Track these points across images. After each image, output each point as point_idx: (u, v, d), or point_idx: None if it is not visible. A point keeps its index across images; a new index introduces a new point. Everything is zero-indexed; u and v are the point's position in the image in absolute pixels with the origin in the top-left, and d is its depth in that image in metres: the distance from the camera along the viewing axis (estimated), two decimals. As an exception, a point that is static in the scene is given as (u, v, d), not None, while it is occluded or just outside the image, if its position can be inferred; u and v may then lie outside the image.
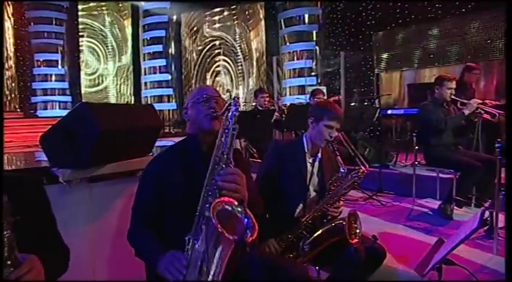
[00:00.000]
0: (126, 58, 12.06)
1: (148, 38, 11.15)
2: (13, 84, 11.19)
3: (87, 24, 11.96)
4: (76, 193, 1.80)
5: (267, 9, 10.57)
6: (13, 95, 11.31)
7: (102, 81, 12.27)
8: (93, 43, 12.08)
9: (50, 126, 1.69)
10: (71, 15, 11.34)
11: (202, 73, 11.65)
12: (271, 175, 2.07)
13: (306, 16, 9.68)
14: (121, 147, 1.75)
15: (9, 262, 0.94)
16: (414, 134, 3.75)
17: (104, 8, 12.00)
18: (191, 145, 1.53)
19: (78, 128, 1.56)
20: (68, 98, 11.52)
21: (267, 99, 4.56)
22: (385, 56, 7.96)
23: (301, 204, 2.04)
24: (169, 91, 11.41)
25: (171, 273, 1.23)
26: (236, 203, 1.22)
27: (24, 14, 10.95)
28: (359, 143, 4.91)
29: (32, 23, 10.87)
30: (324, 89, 8.70)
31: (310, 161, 2.11)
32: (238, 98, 1.38)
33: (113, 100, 12.20)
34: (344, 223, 1.79)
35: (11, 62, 11.03)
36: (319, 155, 2.12)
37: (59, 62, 11.27)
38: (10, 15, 11.04)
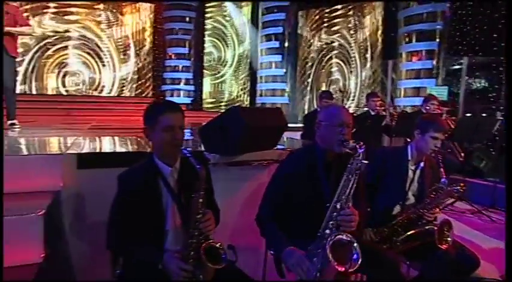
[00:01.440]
0: (244, 49, 13.12)
1: (264, 35, 11.99)
2: (149, 74, 13.33)
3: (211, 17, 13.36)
4: (217, 173, 2.43)
5: (386, 6, 10.43)
6: (148, 84, 13.45)
7: (220, 71, 13.57)
8: (215, 37, 13.43)
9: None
10: (198, 13, 12.88)
11: (317, 71, 12.08)
12: (375, 177, 2.43)
13: (430, 13, 9.29)
14: (255, 141, 2.33)
15: (200, 211, 1.57)
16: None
17: (224, 5, 13.22)
18: (319, 156, 1.91)
19: (230, 124, 2.18)
20: (191, 88, 13.18)
21: (378, 103, 4.78)
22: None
23: (398, 205, 2.37)
24: (283, 85, 12.10)
25: (298, 271, 1.64)
26: (351, 239, 1.58)
27: (162, 13, 12.84)
28: (474, 154, 4.81)
29: (167, 22, 12.70)
30: (445, 91, 8.35)
31: (413, 168, 2.41)
32: (363, 144, 1.74)
33: (228, 90, 13.46)
34: (435, 228, 2.07)
35: (150, 56, 13.16)
36: (422, 164, 2.41)
37: (186, 55, 12.96)
38: (152, 15, 13.10)
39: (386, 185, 2.40)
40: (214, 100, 13.56)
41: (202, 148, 2.41)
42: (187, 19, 12.70)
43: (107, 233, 1.70)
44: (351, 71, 11.41)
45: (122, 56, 12.95)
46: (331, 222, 1.67)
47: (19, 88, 9.62)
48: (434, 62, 9.26)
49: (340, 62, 11.72)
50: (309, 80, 12.37)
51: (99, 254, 1.78)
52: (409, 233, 2.22)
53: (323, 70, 12.06)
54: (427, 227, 2.17)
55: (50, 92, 12.08)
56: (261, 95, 12.32)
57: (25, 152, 2.48)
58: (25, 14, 10.08)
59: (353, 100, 11.27)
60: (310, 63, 12.31)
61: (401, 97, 9.84)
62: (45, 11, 11.78)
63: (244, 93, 13.23)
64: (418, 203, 2.31)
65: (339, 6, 11.43)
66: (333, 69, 11.90)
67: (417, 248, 2.20)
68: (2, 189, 1.69)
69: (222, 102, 13.49)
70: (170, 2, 12.52)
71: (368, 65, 11.08)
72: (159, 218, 1.68)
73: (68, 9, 12.10)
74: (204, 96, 13.55)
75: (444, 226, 2.11)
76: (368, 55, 11.07)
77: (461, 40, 8.81)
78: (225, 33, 13.30)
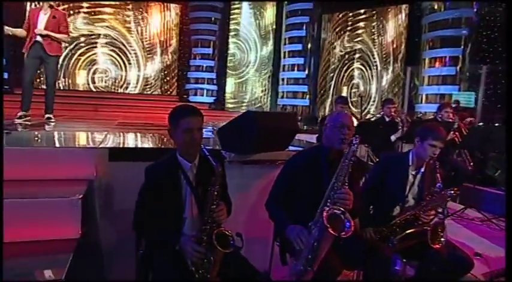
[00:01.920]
0: (267, 51, 13.37)
1: (288, 37, 12.22)
2: (174, 73, 13.81)
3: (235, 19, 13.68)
4: (232, 170, 2.70)
5: (411, 11, 10.47)
6: (172, 82, 13.92)
7: (243, 69, 13.86)
8: (239, 38, 13.74)
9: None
10: (223, 14, 13.24)
11: (340, 74, 12.22)
12: (377, 181, 2.63)
13: (456, 19, 9.29)
14: (267, 142, 2.58)
15: (215, 203, 1.83)
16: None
17: (251, 5, 13.51)
18: (323, 154, 2.22)
19: (245, 126, 2.44)
20: (215, 87, 13.55)
21: (393, 109, 4.94)
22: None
23: (398, 207, 2.56)
24: (304, 88, 12.29)
25: (297, 241, 1.94)
26: (343, 211, 1.89)
27: (188, 14, 13.27)
28: (489, 163, 4.89)
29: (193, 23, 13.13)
30: (471, 97, 8.33)
31: (413, 173, 2.60)
32: (358, 137, 2.04)
33: (251, 91, 13.73)
34: (428, 229, 2.26)
35: (176, 56, 13.63)
36: (422, 169, 2.59)
37: (210, 55, 13.34)
38: (178, 14, 13.55)
39: (388, 187, 2.59)
40: (236, 100, 13.87)
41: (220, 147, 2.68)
42: (212, 20, 13.08)
43: (134, 216, 1.99)
44: (372, 76, 11.48)
45: (148, 55, 13.44)
46: (329, 200, 1.97)
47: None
48: (458, 69, 9.27)
49: (362, 67, 11.81)
50: (331, 83, 12.51)
51: (124, 235, 2.08)
52: (404, 233, 2.41)
53: (345, 74, 12.17)
54: (422, 228, 2.35)
55: (80, 88, 12.70)
56: (282, 97, 12.56)
57: (64, 145, 2.82)
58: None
59: (373, 105, 11.34)
60: (332, 67, 12.46)
61: (422, 103, 9.89)
62: (78, 10, 12.41)
63: (265, 94, 13.48)
64: (416, 206, 2.50)
65: (362, 11, 11.52)
66: (354, 74, 12.01)
67: (414, 248, 2.39)
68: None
69: (243, 102, 13.78)
70: (196, 2, 12.91)
71: (390, 70, 11.13)
72: (178, 206, 1.95)
73: (98, 9, 12.68)
74: (226, 96, 13.87)
75: (437, 227, 2.29)
76: (390, 60, 11.12)
77: (488, 47, 8.79)
78: (248, 35, 13.57)
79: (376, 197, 2.61)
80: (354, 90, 11.86)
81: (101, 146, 2.68)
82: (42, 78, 4.73)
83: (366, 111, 10.49)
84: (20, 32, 4.54)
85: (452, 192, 2.34)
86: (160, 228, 1.92)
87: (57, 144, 2.82)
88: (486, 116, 7.07)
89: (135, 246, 2.04)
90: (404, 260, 2.51)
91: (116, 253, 2.31)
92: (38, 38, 4.51)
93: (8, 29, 4.37)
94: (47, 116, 4.77)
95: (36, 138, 3.19)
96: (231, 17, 13.58)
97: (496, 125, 6.19)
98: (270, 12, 13.29)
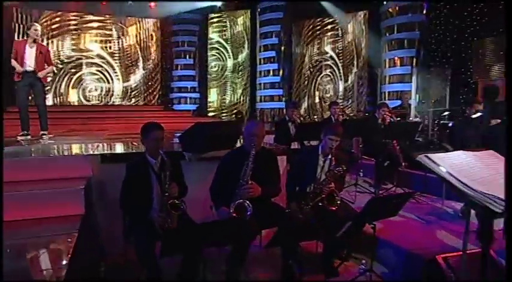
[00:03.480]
0: (243, 58, 14.45)
1: (262, 45, 13.33)
2: (157, 84, 14.85)
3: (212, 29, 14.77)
4: (192, 166, 3.75)
5: (371, 17, 11.63)
6: (156, 92, 14.94)
7: (222, 76, 14.92)
8: (215, 47, 14.81)
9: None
10: (202, 26, 14.33)
11: (312, 78, 13.36)
12: (298, 167, 3.69)
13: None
14: (213, 144, 3.63)
15: (168, 183, 2.87)
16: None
17: (224, 16, 14.61)
18: (244, 152, 3.21)
19: (196, 134, 3.49)
20: (197, 95, 14.60)
21: (337, 110, 6.02)
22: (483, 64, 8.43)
23: (312, 184, 3.61)
24: (280, 92, 13.37)
25: (220, 216, 3.00)
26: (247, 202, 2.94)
27: (168, 28, 14.32)
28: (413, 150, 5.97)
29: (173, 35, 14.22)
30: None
31: (322, 159, 3.66)
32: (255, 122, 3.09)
33: (230, 97, 14.79)
34: (323, 196, 3.31)
35: (158, 67, 14.69)
36: (329, 156, 3.65)
37: (192, 65, 14.41)
38: (158, 28, 14.59)
39: (305, 171, 3.65)
40: (217, 106, 14.92)
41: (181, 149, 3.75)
42: (192, 32, 14.15)
43: (120, 199, 3.03)
44: (338, 79, 12.63)
45: (130, 68, 14.45)
46: (238, 193, 3.03)
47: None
48: (413, 68, 10.44)
49: (330, 71, 12.95)
50: (304, 86, 13.61)
51: (114, 212, 3.11)
52: (314, 201, 3.46)
53: (315, 78, 13.31)
54: (322, 196, 3.40)
55: (71, 104, 13.67)
56: (260, 101, 13.63)
57: (68, 154, 3.87)
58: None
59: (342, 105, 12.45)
60: (303, 71, 13.59)
61: (386, 100, 11.02)
62: (65, 29, 13.44)
63: (244, 99, 14.54)
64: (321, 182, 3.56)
65: (326, 19, 12.68)
66: (323, 78, 13.14)
67: (320, 212, 3.44)
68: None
69: (224, 107, 14.83)
70: (175, 17, 13.96)
71: (353, 72, 12.27)
72: (148, 189, 3.00)
73: (82, 25, 13.69)
74: (208, 103, 14.90)
75: (331, 194, 3.34)
76: (354, 63, 12.27)
77: (436, 47, 9.93)
78: (224, 43, 14.64)
79: (298, 179, 3.67)
80: (325, 94, 13.03)
81: (95, 152, 3.72)
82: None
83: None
84: (19, 66, 5.51)
85: (340, 168, 3.39)
86: (136, 205, 2.96)
87: (65, 153, 3.88)
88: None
89: (122, 220, 3.08)
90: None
91: (108, 224, 3.35)
92: (28, 68, 5.50)
93: (16, 65, 5.42)
94: (41, 133, 5.75)
95: (49, 149, 4.25)
96: (210, 28, 14.63)
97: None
98: (241, 21, 14.34)
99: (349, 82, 12.36)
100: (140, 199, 2.98)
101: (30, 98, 5.75)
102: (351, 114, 11.21)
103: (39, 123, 5.76)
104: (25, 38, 5.84)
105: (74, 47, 13.67)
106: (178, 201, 2.89)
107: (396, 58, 10.89)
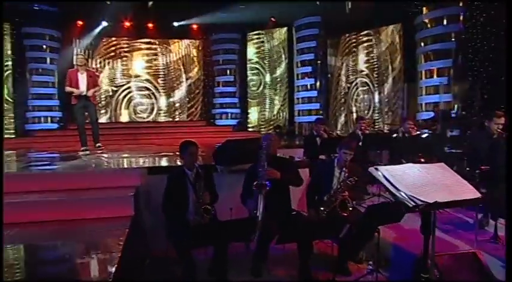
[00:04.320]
0: (280, 73, 15.09)
1: (299, 61, 13.93)
2: (199, 101, 15.87)
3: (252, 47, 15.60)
4: (224, 177, 4.37)
5: (404, 29, 11.85)
6: (198, 108, 15.95)
7: (261, 92, 15.63)
8: (256, 62, 15.59)
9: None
10: (241, 45, 15.22)
11: (347, 92, 13.73)
12: (316, 178, 4.20)
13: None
14: (241, 158, 4.23)
15: (202, 192, 3.51)
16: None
17: (262, 34, 15.39)
18: (261, 156, 3.81)
19: (226, 149, 4.11)
20: (237, 111, 15.42)
21: (364, 125, 6.42)
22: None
23: (328, 193, 4.08)
24: (317, 106, 13.83)
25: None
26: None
27: (210, 46, 15.35)
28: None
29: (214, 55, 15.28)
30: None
31: (338, 171, 4.13)
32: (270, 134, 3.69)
33: (269, 111, 15.44)
34: (336, 204, 3.77)
35: (200, 85, 15.74)
36: (345, 168, 4.11)
37: (232, 82, 15.31)
38: (199, 49, 15.67)
39: (322, 181, 4.14)
40: (256, 121, 15.62)
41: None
42: (231, 51, 15.09)
43: (162, 204, 3.69)
44: (374, 92, 12.88)
45: (173, 86, 15.59)
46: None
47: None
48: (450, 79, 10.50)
49: (365, 84, 13.24)
50: (342, 100, 13.99)
51: (158, 217, 3.78)
52: (330, 207, 3.92)
53: (352, 92, 13.63)
54: (337, 203, 3.86)
55: (122, 121, 15.02)
56: (298, 115, 14.16)
57: (121, 166, 4.66)
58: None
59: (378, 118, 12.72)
60: (341, 85, 13.97)
61: (423, 111, 11.14)
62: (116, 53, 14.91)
63: (282, 113, 15.11)
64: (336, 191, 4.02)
65: (362, 32, 13.05)
66: (359, 91, 13.45)
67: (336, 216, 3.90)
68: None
69: (263, 122, 15.50)
70: (215, 36, 14.99)
71: (389, 85, 12.48)
72: (185, 196, 3.65)
73: (130, 47, 15.08)
74: (248, 118, 15.65)
75: (343, 201, 3.78)
76: (389, 76, 12.49)
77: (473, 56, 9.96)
78: (263, 61, 15.38)
79: (316, 189, 4.16)
80: (361, 107, 13.32)
81: (143, 166, 4.46)
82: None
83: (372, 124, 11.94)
84: (75, 90, 6.48)
85: (352, 179, 3.84)
86: (175, 210, 3.61)
87: (119, 166, 4.68)
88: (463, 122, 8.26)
89: (164, 221, 3.74)
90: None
91: (152, 225, 4.04)
92: (82, 93, 6.48)
93: (73, 90, 6.40)
94: (97, 145, 6.71)
95: (105, 163, 5.09)
96: (248, 46, 15.48)
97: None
98: (278, 38, 15.01)
99: (385, 95, 12.56)
100: (178, 205, 3.64)
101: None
102: (381, 128, 11.41)
103: (93, 137, 6.74)
104: (76, 68, 6.82)
105: (124, 68, 15.06)
106: (210, 207, 3.51)
107: (433, 69, 10.99)
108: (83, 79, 6.49)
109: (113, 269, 2.43)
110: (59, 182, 4.11)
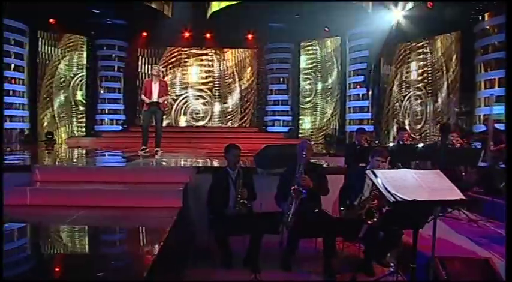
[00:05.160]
0: (332, 83, 15.29)
1: (352, 70, 14.11)
2: (252, 108, 16.55)
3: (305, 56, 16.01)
4: (263, 178, 4.85)
5: (463, 37, 11.59)
6: (250, 115, 16.63)
7: (312, 101, 15.94)
8: (306, 72, 15.96)
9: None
10: (294, 54, 15.70)
11: (400, 102, 13.64)
12: (349, 184, 4.53)
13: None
14: (279, 162, 4.69)
15: (240, 189, 4.03)
16: None
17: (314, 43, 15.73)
18: (301, 164, 4.24)
19: (266, 154, 4.60)
20: (289, 118, 15.89)
21: (406, 136, 6.58)
22: None
23: (358, 198, 4.39)
24: (368, 115, 13.89)
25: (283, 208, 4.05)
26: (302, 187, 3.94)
27: (264, 55, 16.03)
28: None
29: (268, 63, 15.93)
30: None
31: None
32: (305, 141, 4.08)
33: (320, 120, 15.69)
34: (362, 211, 4.07)
35: (254, 92, 16.42)
36: (376, 175, 4.42)
37: (284, 90, 15.83)
38: (253, 57, 16.37)
39: (354, 188, 4.46)
40: (307, 129, 15.94)
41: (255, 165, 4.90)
42: (285, 60, 15.65)
43: (207, 198, 4.26)
44: (428, 103, 12.66)
45: (227, 94, 16.43)
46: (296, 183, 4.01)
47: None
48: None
49: (419, 94, 13.05)
50: (394, 110, 13.89)
51: (202, 210, 4.35)
52: (359, 213, 4.23)
53: (405, 102, 13.49)
54: (364, 210, 4.16)
55: (179, 125, 16.13)
56: (349, 124, 14.28)
57: (174, 165, 5.34)
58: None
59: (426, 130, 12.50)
60: (393, 95, 13.89)
61: (480, 124, 10.82)
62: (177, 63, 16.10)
63: (333, 121, 15.28)
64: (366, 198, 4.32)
65: (416, 42, 12.92)
66: (412, 101, 13.27)
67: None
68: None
69: (314, 130, 15.77)
70: (270, 45, 15.64)
71: (443, 95, 12.23)
72: (227, 192, 4.20)
73: (187, 57, 16.16)
74: (299, 125, 16.02)
75: (370, 210, 4.07)
76: (444, 86, 12.24)
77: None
78: (316, 70, 15.70)
79: (348, 194, 4.49)
80: (415, 118, 13.12)
81: (192, 165, 5.10)
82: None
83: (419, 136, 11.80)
84: (147, 99, 7.35)
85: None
86: (218, 203, 4.17)
87: (172, 165, 5.37)
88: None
89: (207, 214, 4.30)
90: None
91: (197, 216, 4.63)
92: (153, 100, 7.30)
93: (145, 99, 7.28)
94: (156, 149, 7.49)
95: (161, 162, 5.84)
96: (301, 55, 15.90)
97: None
98: (331, 47, 15.24)
99: (439, 106, 12.32)
100: (220, 199, 4.19)
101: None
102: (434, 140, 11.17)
103: (155, 141, 7.53)
104: (151, 78, 7.73)
105: (184, 76, 16.20)
106: (246, 201, 4.03)
107: (493, 78, 10.64)
108: (155, 88, 7.35)
109: (158, 247, 2.98)
110: (121, 175, 4.88)
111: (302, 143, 4.40)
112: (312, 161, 4.49)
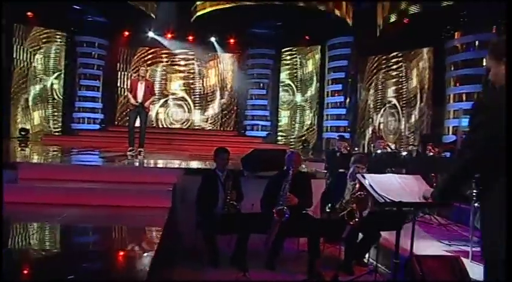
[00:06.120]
0: (312, 92, 15.68)
1: (331, 78, 14.54)
2: (232, 112, 16.73)
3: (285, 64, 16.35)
4: (249, 181, 5.03)
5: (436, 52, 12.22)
6: (231, 119, 16.79)
7: (292, 106, 16.28)
8: (288, 79, 16.30)
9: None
10: (275, 60, 16.02)
11: (375, 111, 14.16)
12: (330, 189, 4.79)
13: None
14: (266, 166, 4.90)
15: (229, 191, 4.21)
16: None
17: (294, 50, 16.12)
18: (285, 173, 4.43)
19: (252, 158, 4.80)
20: (268, 123, 16.16)
21: (383, 144, 6.95)
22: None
23: (340, 202, 4.65)
24: (345, 123, 14.33)
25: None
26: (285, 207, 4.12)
27: (246, 60, 16.26)
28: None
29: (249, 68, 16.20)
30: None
31: (351, 183, 4.69)
32: (294, 152, 4.31)
33: (298, 126, 16.04)
34: (344, 213, 4.34)
35: (235, 97, 16.59)
36: (357, 180, 4.68)
37: (264, 95, 16.11)
38: (235, 63, 16.57)
39: (335, 192, 4.72)
40: (286, 134, 16.25)
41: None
42: (266, 66, 15.96)
43: (196, 199, 4.41)
44: (402, 114, 13.21)
45: (209, 98, 16.52)
46: (280, 201, 4.18)
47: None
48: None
49: (394, 105, 13.60)
50: (369, 119, 14.40)
51: (190, 210, 4.49)
52: (340, 215, 4.49)
53: (379, 112, 14.01)
54: (346, 211, 4.43)
55: (158, 126, 16.10)
56: (326, 131, 14.68)
57: (163, 166, 5.45)
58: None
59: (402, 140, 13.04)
60: (368, 104, 14.40)
61: (450, 134, 11.42)
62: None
63: (311, 129, 15.64)
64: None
65: (394, 54, 13.48)
66: (387, 111, 13.80)
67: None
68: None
69: (292, 136, 16.10)
70: (251, 51, 15.91)
71: (417, 108, 12.80)
72: (216, 192, 4.37)
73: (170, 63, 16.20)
74: (278, 131, 16.32)
75: (351, 212, 4.34)
76: (417, 99, 12.82)
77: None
78: (295, 77, 16.07)
79: (330, 198, 4.75)
80: (388, 127, 13.66)
81: (180, 166, 5.23)
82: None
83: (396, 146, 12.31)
84: (134, 101, 7.44)
85: (361, 193, 4.39)
86: (206, 204, 4.32)
87: (160, 166, 5.49)
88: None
89: (196, 213, 4.45)
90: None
91: (185, 216, 4.75)
92: (138, 101, 7.39)
93: (131, 99, 7.36)
94: (139, 149, 7.56)
95: (150, 162, 5.94)
96: (282, 62, 16.24)
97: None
98: (311, 56, 15.64)
99: (412, 117, 12.88)
100: (209, 199, 4.36)
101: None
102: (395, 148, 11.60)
103: (138, 141, 7.59)
104: (136, 76, 7.83)
105: (164, 78, 16.20)
106: (235, 203, 4.21)
107: (462, 92, 11.26)
108: (141, 88, 7.45)
109: (156, 246, 3.11)
110: (109, 174, 4.96)
111: (290, 155, 4.59)
112: (299, 169, 4.72)
